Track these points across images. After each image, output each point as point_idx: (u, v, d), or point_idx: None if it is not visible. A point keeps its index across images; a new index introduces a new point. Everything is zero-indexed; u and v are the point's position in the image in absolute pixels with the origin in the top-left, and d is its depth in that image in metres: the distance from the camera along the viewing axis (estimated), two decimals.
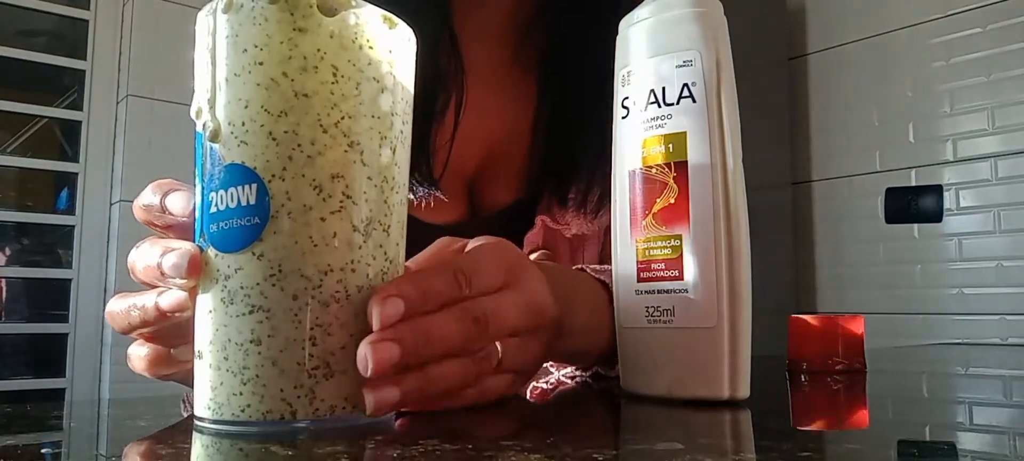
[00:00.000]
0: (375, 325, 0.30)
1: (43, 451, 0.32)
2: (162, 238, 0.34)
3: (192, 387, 0.32)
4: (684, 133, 0.39)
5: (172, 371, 0.36)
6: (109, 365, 1.77)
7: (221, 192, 0.30)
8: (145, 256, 0.33)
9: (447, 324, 0.32)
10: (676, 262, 0.39)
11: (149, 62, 1.83)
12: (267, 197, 0.30)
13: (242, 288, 0.30)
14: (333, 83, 0.31)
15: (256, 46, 0.30)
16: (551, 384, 0.51)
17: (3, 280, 1.82)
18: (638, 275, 0.40)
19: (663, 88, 0.40)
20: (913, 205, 1.89)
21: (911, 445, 0.31)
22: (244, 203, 0.30)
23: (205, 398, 0.31)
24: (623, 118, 0.42)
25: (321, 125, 0.30)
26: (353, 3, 0.31)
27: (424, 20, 0.63)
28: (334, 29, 0.31)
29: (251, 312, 0.30)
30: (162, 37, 1.83)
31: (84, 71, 1.84)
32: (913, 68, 1.94)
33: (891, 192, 1.92)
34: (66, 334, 1.79)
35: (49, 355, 1.79)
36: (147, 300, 0.33)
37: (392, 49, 0.33)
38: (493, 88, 0.70)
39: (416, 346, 0.31)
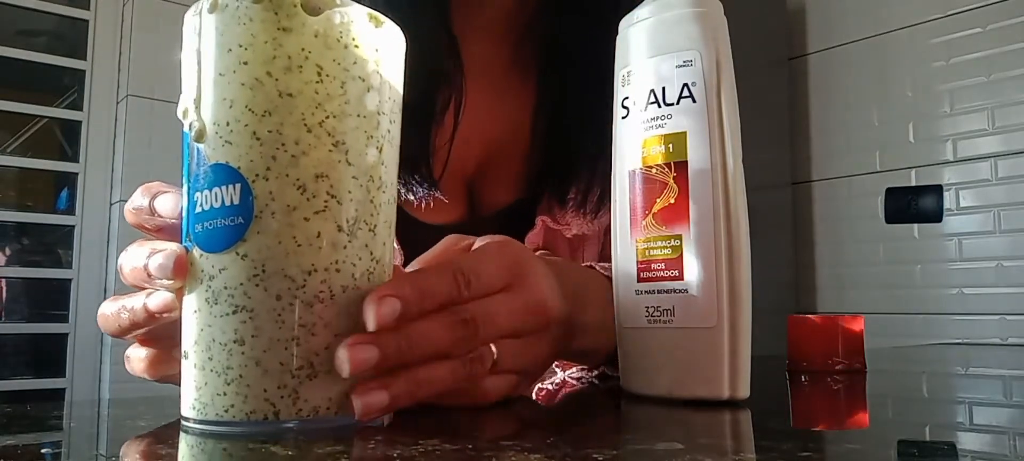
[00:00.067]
0: (370, 326, 0.30)
1: (43, 451, 0.32)
2: (152, 240, 0.34)
3: None
4: (684, 133, 0.39)
5: (172, 372, 0.36)
6: (109, 365, 1.77)
7: (206, 192, 0.30)
8: (132, 258, 0.33)
9: (432, 326, 0.32)
10: (676, 262, 0.39)
11: (149, 62, 1.83)
12: (251, 197, 0.30)
13: (226, 288, 0.30)
14: (318, 83, 0.31)
15: (241, 46, 0.30)
16: (556, 384, 0.51)
17: (3, 280, 1.82)
18: (638, 275, 0.40)
19: (663, 88, 0.40)
20: (913, 205, 1.90)
21: (911, 445, 0.31)
22: (228, 203, 0.30)
23: (190, 398, 0.31)
24: (623, 118, 0.42)
25: (305, 125, 0.30)
26: (338, 2, 0.31)
27: (423, 21, 0.63)
28: (319, 28, 0.31)
29: (235, 312, 0.30)
30: (162, 37, 1.83)
31: (84, 71, 1.84)
32: (913, 68, 1.94)
33: (891, 192, 1.93)
34: (66, 334, 1.79)
35: (49, 355, 1.79)
36: (136, 302, 0.33)
37: (379, 48, 0.33)
38: (492, 88, 0.70)
39: (398, 348, 0.31)
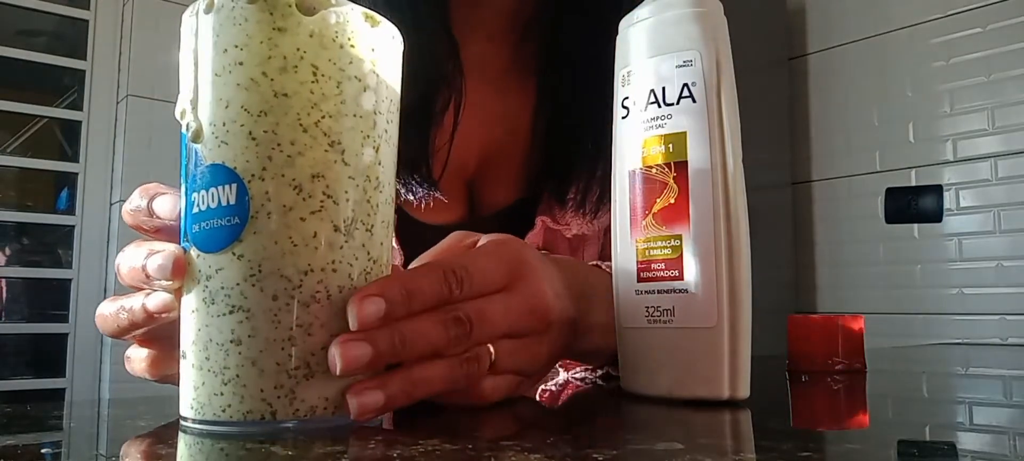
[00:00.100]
0: (352, 325, 0.30)
1: (43, 451, 0.32)
2: (150, 241, 0.34)
3: None
4: (684, 133, 0.39)
5: (172, 372, 0.36)
6: (109, 365, 1.77)
7: (202, 192, 0.30)
8: (130, 259, 0.33)
9: (426, 324, 0.32)
10: (676, 262, 0.39)
11: (149, 62, 1.83)
12: (247, 197, 0.30)
13: (222, 288, 0.30)
14: (313, 83, 0.30)
15: (236, 46, 0.30)
16: (560, 385, 0.51)
17: (3, 280, 1.82)
18: (638, 275, 0.40)
19: (663, 88, 0.40)
20: (913, 205, 1.90)
21: (911, 445, 0.31)
22: (224, 203, 0.30)
23: (188, 398, 0.31)
24: (623, 118, 0.42)
25: (301, 125, 0.30)
26: (334, 1, 0.31)
27: (422, 21, 0.63)
28: (314, 28, 0.31)
29: (231, 312, 0.30)
30: (162, 37, 1.83)
31: (84, 71, 1.84)
32: (913, 68, 1.94)
33: (891, 192, 1.93)
34: (66, 334, 1.79)
35: (49, 355, 1.79)
36: (135, 302, 0.33)
37: (375, 48, 0.33)
38: (492, 89, 0.70)
39: (391, 346, 0.31)
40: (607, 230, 0.69)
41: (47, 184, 1.94)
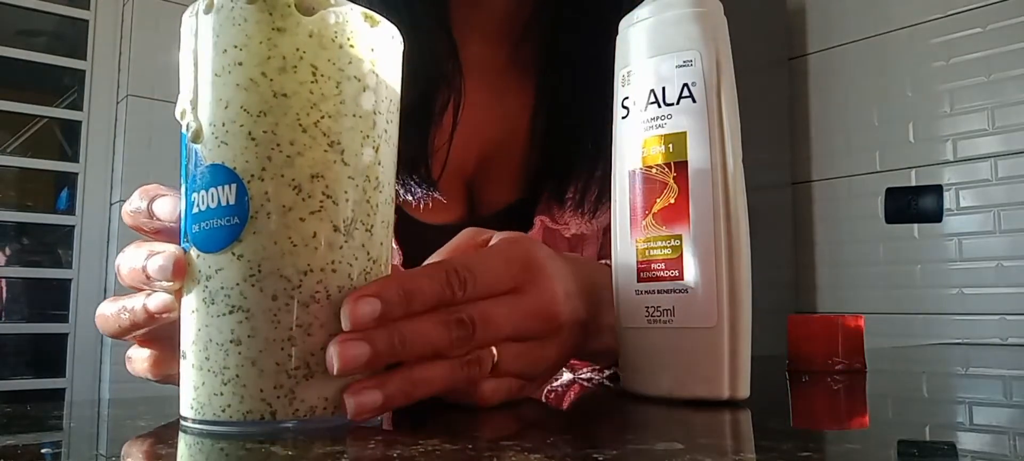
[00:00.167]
0: (345, 325, 0.30)
1: (43, 451, 0.32)
2: (149, 241, 0.34)
3: None
4: (684, 133, 0.39)
5: (173, 372, 0.36)
6: (109, 365, 1.77)
7: (202, 192, 0.30)
8: (130, 260, 0.33)
9: (426, 325, 0.32)
10: (676, 262, 0.39)
11: (149, 62, 1.83)
12: (246, 197, 0.30)
13: (222, 288, 0.30)
14: (312, 83, 0.30)
15: (236, 47, 0.30)
16: (565, 385, 0.51)
17: (3, 280, 1.82)
18: (638, 275, 0.40)
19: (663, 88, 0.40)
20: (913, 205, 1.90)
21: (911, 445, 0.31)
22: (224, 203, 0.30)
23: (188, 398, 0.31)
24: (623, 118, 0.42)
25: (300, 125, 0.30)
26: (333, 1, 0.31)
27: (421, 21, 0.63)
28: (313, 28, 0.31)
29: (231, 312, 0.30)
30: (162, 37, 1.83)
31: (84, 71, 1.84)
32: (913, 68, 1.94)
33: (891, 192, 1.93)
34: (66, 334, 1.79)
35: (49, 355, 1.79)
36: (136, 303, 0.33)
37: (374, 48, 0.33)
38: (491, 88, 0.70)
39: (390, 346, 0.30)
40: (606, 230, 0.69)
41: (47, 184, 1.94)
